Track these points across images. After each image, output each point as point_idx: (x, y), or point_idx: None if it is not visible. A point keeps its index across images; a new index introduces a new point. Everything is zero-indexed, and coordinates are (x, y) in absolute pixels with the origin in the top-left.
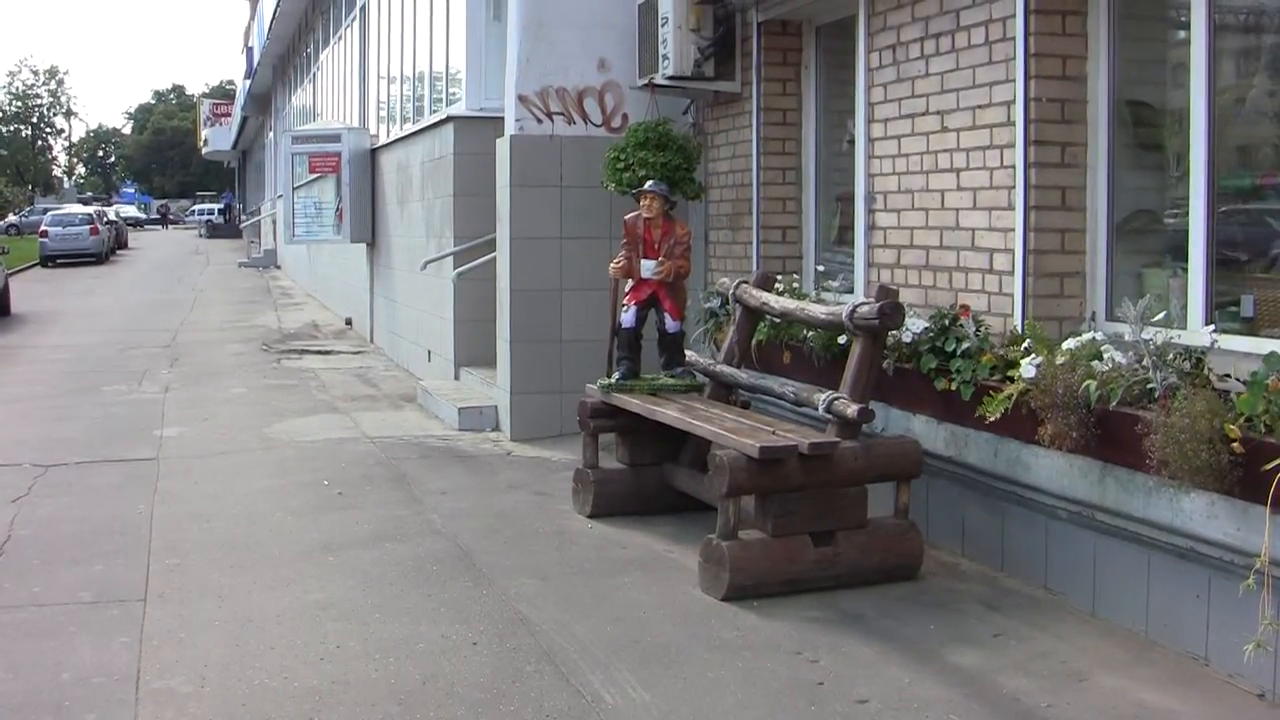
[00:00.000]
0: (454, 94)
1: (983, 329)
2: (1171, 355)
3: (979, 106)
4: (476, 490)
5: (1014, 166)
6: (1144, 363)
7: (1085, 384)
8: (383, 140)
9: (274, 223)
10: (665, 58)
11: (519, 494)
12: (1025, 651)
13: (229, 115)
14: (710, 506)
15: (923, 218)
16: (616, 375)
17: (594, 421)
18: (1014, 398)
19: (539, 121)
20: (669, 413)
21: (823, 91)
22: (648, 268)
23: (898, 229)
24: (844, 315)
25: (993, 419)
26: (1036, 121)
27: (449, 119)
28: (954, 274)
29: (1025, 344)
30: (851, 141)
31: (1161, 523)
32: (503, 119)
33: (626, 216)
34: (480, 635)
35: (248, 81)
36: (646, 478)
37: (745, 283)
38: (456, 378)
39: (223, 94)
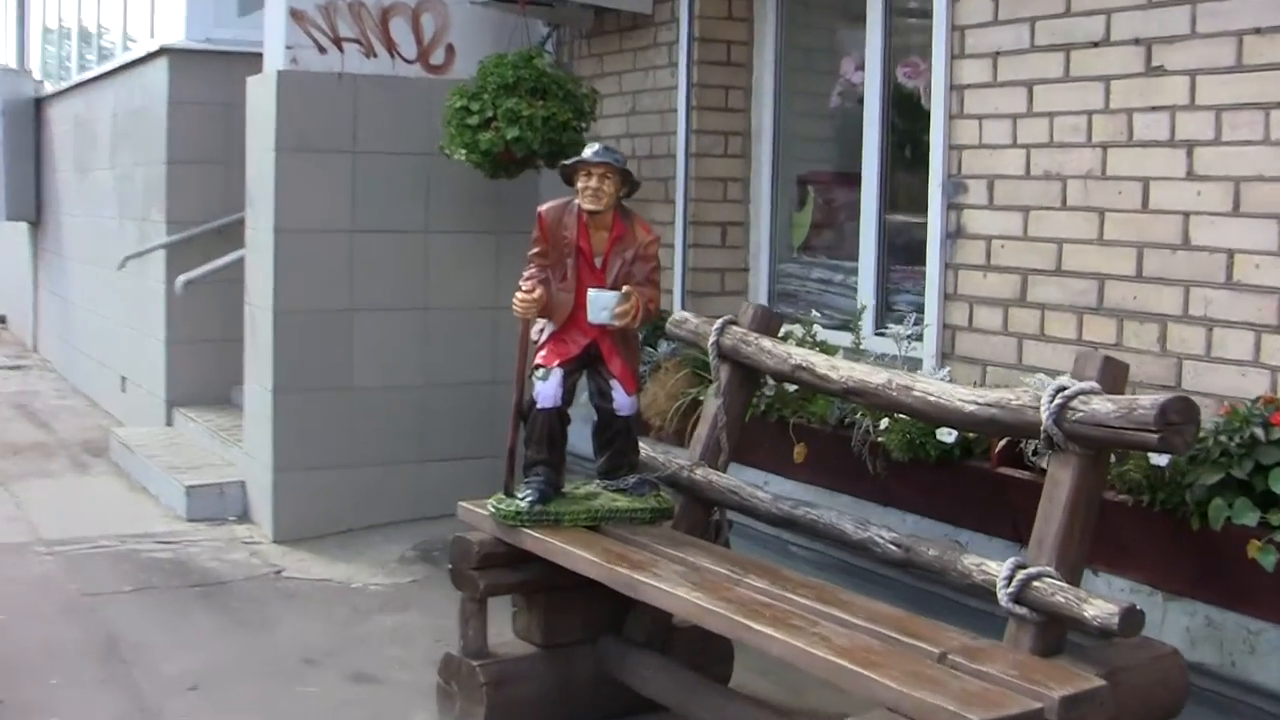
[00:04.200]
0: (165, 20)
1: None
2: None
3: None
4: (250, 673)
5: None
6: None
7: None
8: (52, 88)
9: None
10: None
11: (325, 680)
12: None
13: None
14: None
15: (1089, 224)
16: (528, 494)
17: (484, 576)
18: None
19: (322, 51)
20: (684, 597)
21: (792, 15)
22: (599, 303)
23: (1017, 241)
24: (1047, 411)
25: None
26: None
27: (161, 52)
28: (1170, 327)
29: None
30: (846, 94)
31: None
32: (243, 55)
33: (544, 207)
34: None
35: None
36: (577, 666)
37: (734, 323)
38: (169, 422)
39: None
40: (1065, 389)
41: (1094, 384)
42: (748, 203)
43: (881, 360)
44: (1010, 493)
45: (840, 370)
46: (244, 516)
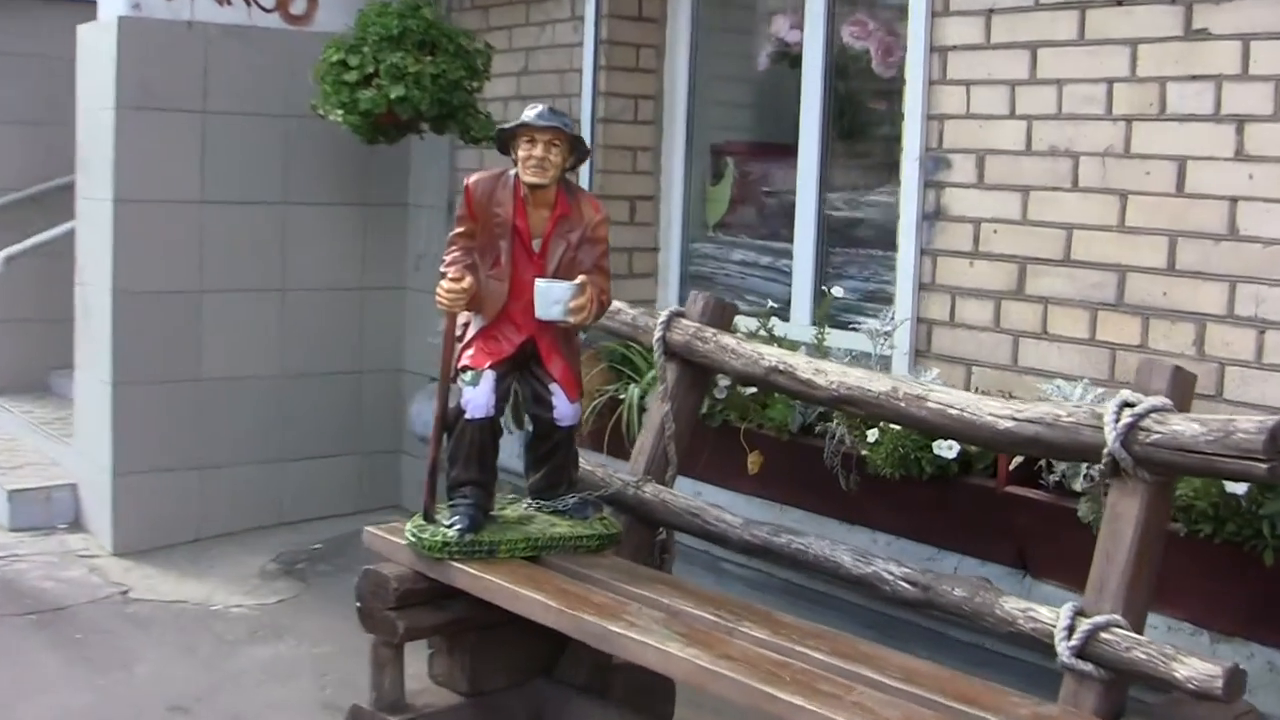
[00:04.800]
0: None
1: None
2: None
3: None
4: None
5: None
6: None
7: None
8: None
9: None
10: None
11: None
12: None
13: None
14: None
15: (1107, 208)
16: (456, 521)
17: (403, 617)
18: None
19: None
20: (677, 654)
21: None
22: (550, 296)
23: (1014, 225)
24: (1113, 431)
25: None
26: None
27: None
28: (1211, 328)
29: None
30: (779, 55)
31: None
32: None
33: (473, 180)
34: None
35: None
36: (510, 716)
37: (681, 315)
38: None
39: None
40: (1131, 405)
41: (1165, 400)
42: (659, 174)
43: (855, 360)
44: (1018, 515)
45: (829, 375)
46: (76, 525)
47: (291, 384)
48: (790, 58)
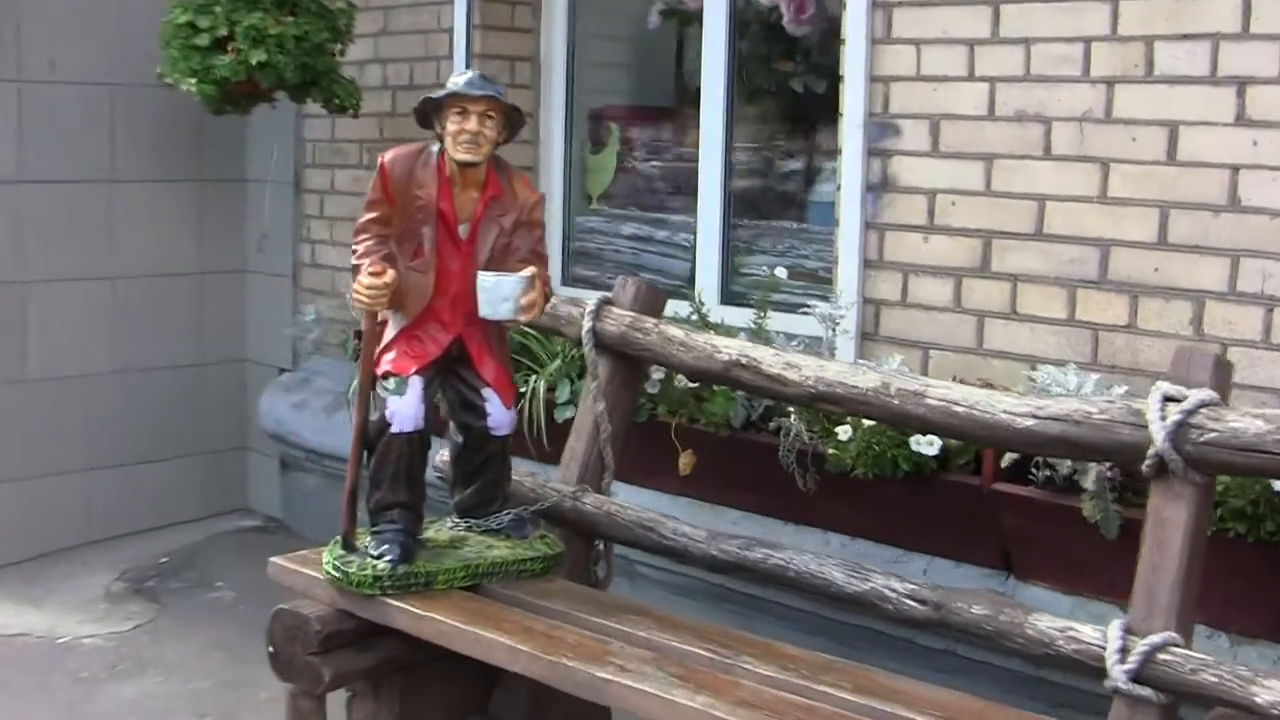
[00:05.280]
0: None
1: None
2: None
3: None
4: None
5: None
6: None
7: None
8: None
9: None
10: None
11: None
12: None
13: None
14: None
15: (1086, 177)
16: (386, 551)
17: (328, 663)
18: None
19: None
20: (685, 704)
21: None
22: (499, 292)
23: (976, 196)
24: (1162, 429)
25: None
26: None
27: None
28: (1210, 305)
29: None
30: (671, 13)
31: None
32: None
33: (389, 156)
34: None
35: None
36: None
37: (609, 303)
38: None
39: None
40: (1174, 399)
41: (1212, 393)
42: (537, 145)
43: (808, 348)
44: (1004, 513)
45: (803, 370)
46: None
47: (128, 381)
48: (682, 14)
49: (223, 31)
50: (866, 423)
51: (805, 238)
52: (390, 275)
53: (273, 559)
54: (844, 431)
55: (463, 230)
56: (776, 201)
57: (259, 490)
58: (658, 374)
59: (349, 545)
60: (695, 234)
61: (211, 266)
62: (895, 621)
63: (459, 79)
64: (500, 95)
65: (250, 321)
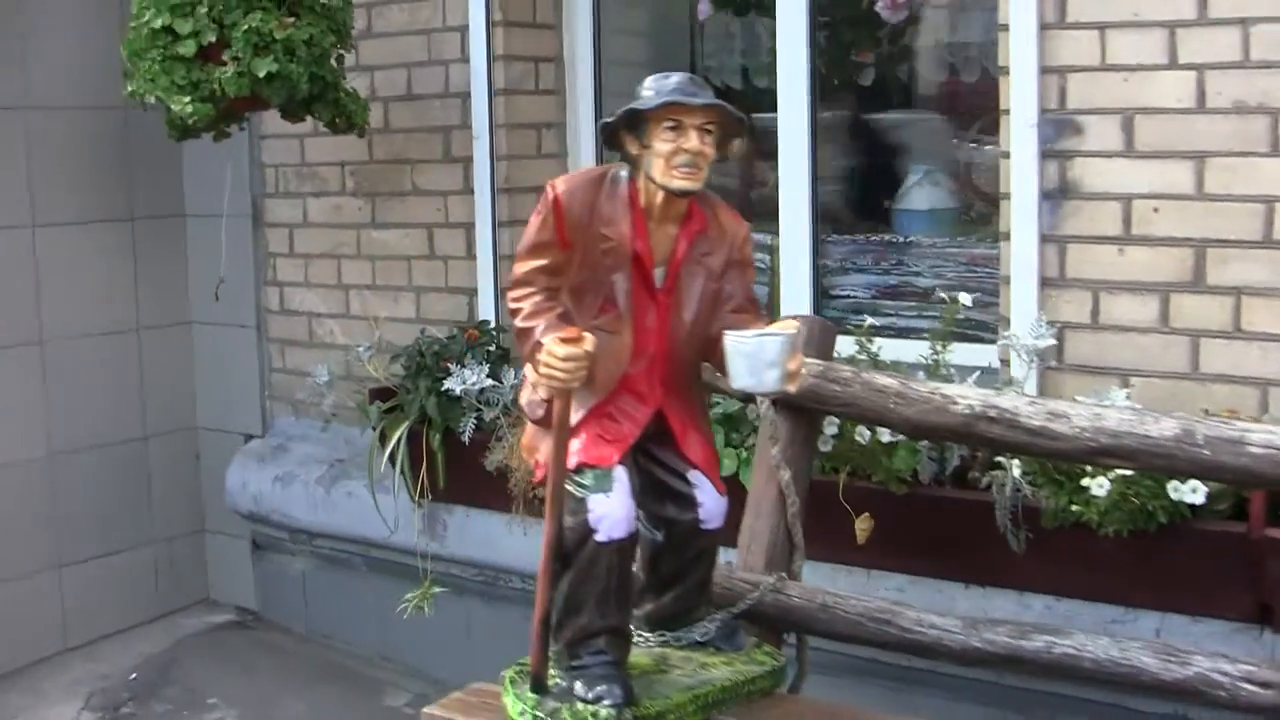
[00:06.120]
0: None
1: None
2: None
3: None
4: None
5: None
6: None
7: None
8: None
9: None
10: None
11: None
12: None
13: None
14: None
15: None
16: (601, 694)
17: None
18: None
19: None
20: None
21: None
22: (762, 357)
23: (1186, 201)
24: None
25: None
26: None
27: None
28: None
29: None
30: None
31: None
32: None
33: (564, 186)
34: None
35: None
36: None
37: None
38: None
39: None
40: None
41: None
42: (564, 157)
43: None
44: (1271, 562)
45: (1074, 420)
46: None
47: (61, 464)
48: (738, 3)
49: (211, 37)
50: (1123, 473)
51: (914, 254)
52: (590, 341)
53: (425, 710)
54: (1098, 485)
55: (658, 276)
56: (859, 212)
57: (223, 578)
58: (831, 429)
59: (539, 686)
60: (771, 254)
61: (150, 320)
62: (1228, 709)
63: (664, 83)
64: (723, 112)
65: (201, 382)
